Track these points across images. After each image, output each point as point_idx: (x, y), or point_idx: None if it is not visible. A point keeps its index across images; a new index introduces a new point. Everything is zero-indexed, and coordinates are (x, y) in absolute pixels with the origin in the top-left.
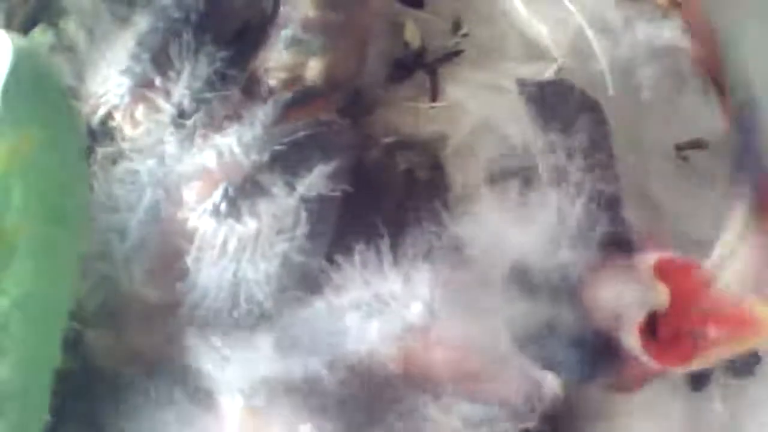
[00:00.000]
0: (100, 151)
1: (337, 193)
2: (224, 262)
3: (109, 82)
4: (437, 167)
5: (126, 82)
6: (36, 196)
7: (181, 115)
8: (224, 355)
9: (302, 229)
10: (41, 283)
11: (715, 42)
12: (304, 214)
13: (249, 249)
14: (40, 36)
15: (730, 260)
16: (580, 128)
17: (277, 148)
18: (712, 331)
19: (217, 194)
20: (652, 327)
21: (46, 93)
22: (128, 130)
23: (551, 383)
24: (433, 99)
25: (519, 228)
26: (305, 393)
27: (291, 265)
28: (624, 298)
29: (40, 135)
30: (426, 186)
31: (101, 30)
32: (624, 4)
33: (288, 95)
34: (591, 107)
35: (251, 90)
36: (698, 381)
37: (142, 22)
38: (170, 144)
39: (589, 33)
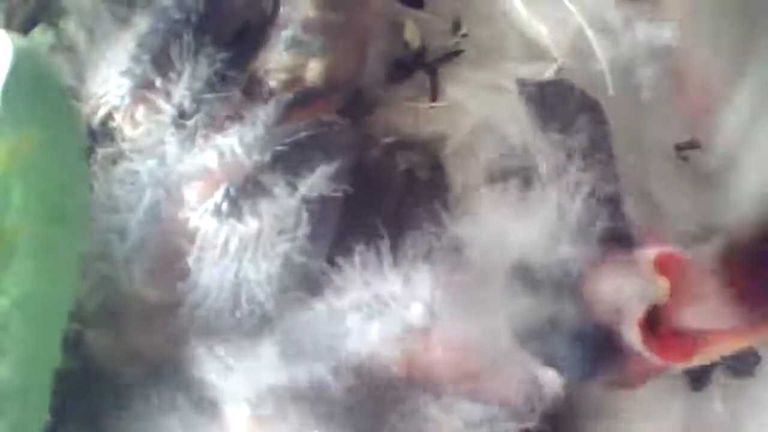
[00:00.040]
0: (101, 152)
1: (339, 194)
2: (225, 262)
3: (109, 83)
4: (437, 167)
5: (126, 84)
6: (36, 196)
7: (182, 115)
8: (228, 364)
9: (304, 230)
10: (41, 283)
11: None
12: (305, 215)
13: (250, 249)
14: (40, 36)
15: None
16: (580, 128)
17: (279, 148)
18: None
19: (219, 194)
20: (653, 323)
21: (46, 93)
22: (128, 131)
23: (552, 382)
24: (433, 99)
25: (519, 224)
26: (312, 400)
27: (292, 265)
28: (624, 291)
29: (40, 135)
30: (426, 186)
31: (101, 30)
32: (624, 4)
33: (289, 96)
34: (591, 107)
35: (252, 91)
36: (698, 381)
37: (142, 23)
38: (171, 144)
39: (589, 33)
